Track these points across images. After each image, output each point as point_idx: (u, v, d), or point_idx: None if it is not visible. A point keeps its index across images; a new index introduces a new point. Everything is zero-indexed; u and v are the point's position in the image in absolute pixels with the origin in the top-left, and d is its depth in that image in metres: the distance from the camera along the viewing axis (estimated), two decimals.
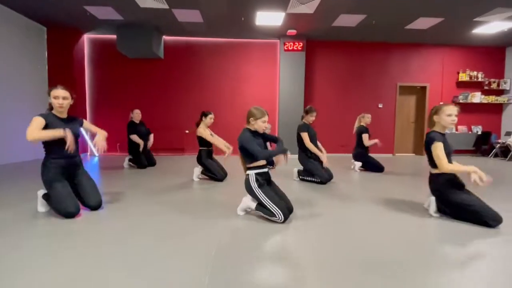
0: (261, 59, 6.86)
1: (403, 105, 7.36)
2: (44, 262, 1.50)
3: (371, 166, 4.58)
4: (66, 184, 2.29)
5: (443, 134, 2.24)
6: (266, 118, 2.26)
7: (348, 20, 5.57)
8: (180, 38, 6.63)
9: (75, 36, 6.15)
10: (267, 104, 6.62)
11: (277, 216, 2.06)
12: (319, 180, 3.55)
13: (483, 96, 7.03)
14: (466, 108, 7.17)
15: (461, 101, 7.03)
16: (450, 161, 2.17)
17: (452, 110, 2.18)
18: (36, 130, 2.08)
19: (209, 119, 3.80)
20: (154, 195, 2.93)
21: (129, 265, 1.48)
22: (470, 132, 7.14)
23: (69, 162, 2.33)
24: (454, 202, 2.14)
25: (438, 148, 2.13)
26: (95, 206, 2.36)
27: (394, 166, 5.32)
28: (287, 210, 2.14)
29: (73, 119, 2.40)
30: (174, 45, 6.66)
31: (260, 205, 2.17)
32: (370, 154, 4.67)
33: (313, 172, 3.61)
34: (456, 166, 2.11)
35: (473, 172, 1.99)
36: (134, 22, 5.68)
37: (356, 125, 4.76)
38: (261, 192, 2.14)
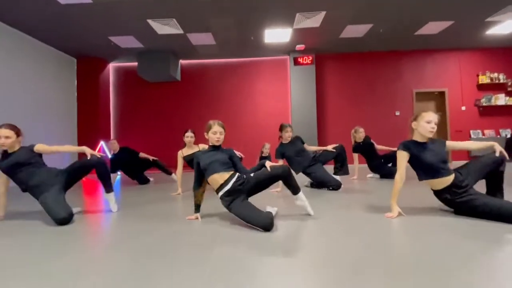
0: (272, 75, 7.06)
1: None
2: None
3: (387, 173, 4.32)
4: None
5: (424, 143, 2.07)
6: (216, 128, 2.10)
7: (355, 30, 5.67)
8: (195, 61, 7.05)
9: (101, 66, 6.75)
10: (281, 118, 6.69)
11: (258, 229, 1.82)
12: (331, 187, 3.32)
13: (507, 98, 6.67)
14: (491, 111, 6.82)
15: (484, 104, 6.72)
16: (447, 170, 1.99)
17: (432, 116, 2.01)
18: None
19: (185, 137, 3.62)
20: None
21: None
22: (498, 136, 6.71)
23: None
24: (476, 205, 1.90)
25: (399, 156, 2.08)
26: (64, 219, 2.10)
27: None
28: (269, 220, 1.81)
29: (22, 148, 2.40)
30: (190, 68, 7.08)
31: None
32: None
33: (323, 179, 3.38)
34: (394, 191, 2.08)
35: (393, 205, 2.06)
36: (152, 48, 6.16)
37: (352, 142, 4.44)
38: (236, 213, 1.95)
